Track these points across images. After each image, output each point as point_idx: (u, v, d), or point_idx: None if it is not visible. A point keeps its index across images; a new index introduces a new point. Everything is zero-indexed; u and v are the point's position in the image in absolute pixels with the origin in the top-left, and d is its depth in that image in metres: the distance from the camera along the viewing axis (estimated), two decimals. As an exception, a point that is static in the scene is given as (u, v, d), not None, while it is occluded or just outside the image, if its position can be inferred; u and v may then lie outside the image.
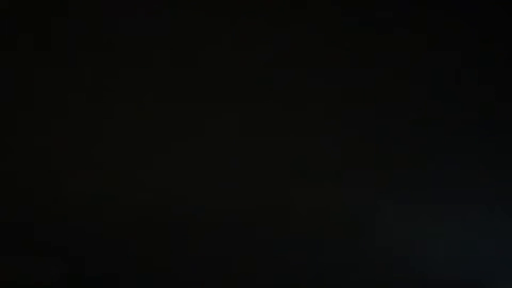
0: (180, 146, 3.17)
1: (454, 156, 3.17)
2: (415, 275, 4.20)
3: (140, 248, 3.88)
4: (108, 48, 2.53)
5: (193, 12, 2.32)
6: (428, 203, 3.52)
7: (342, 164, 3.24)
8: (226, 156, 3.21)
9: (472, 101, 2.79)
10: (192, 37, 2.45)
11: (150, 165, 3.32)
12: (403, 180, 3.35)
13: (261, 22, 2.35)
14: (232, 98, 2.82)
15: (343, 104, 2.83)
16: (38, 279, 4.07)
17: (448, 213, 3.61)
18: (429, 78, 2.63)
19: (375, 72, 2.63)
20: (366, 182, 3.36)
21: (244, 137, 3.09)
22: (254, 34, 2.45)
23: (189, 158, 3.26)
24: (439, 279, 4.21)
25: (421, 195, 3.47)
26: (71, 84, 2.73)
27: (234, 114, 2.93)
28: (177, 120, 2.98)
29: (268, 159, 3.24)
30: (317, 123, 2.97)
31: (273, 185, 3.44)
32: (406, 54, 2.52)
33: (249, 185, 3.44)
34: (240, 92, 2.78)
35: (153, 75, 2.68)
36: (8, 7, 2.33)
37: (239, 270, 4.07)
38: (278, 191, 3.47)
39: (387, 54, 2.52)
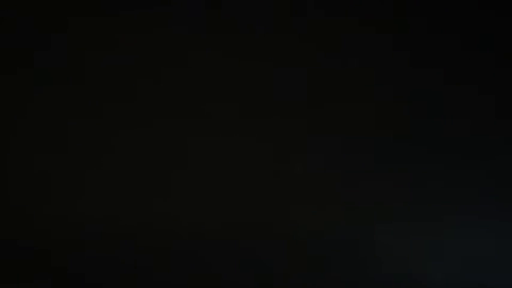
0: (179, 166, 3.17)
1: (452, 173, 3.16)
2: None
3: (143, 270, 3.85)
4: (114, 71, 2.53)
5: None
6: (427, 220, 3.51)
7: (340, 182, 3.23)
8: (227, 175, 3.20)
9: (468, 118, 2.79)
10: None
11: (150, 188, 3.31)
12: (401, 198, 3.35)
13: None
14: (230, 117, 2.81)
15: (340, 122, 2.82)
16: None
17: (447, 229, 3.60)
18: (425, 97, 2.63)
19: (374, 91, 2.63)
20: (364, 200, 3.35)
21: (242, 156, 3.08)
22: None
23: (188, 180, 3.25)
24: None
25: (419, 212, 3.46)
26: (76, 104, 2.73)
27: (233, 135, 2.92)
28: (173, 139, 2.98)
29: (267, 179, 3.23)
30: (314, 142, 2.97)
31: (272, 204, 3.42)
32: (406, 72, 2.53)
33: (247, 205, 3.43)
34: (238, 111, 2.77)
35: (155, 104, 2.68)
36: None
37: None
38: (277, 210, 3.46)
39: (387, 73, 2.52)
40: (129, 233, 3.64)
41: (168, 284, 4.00)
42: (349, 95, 2.74)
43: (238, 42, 2.46)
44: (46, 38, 2.47)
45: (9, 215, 3.53)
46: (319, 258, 3.83)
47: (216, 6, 2.31)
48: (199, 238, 3.70)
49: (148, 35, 2.44)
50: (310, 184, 3.28)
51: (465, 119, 2.84)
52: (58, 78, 2.67)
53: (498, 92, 2.69)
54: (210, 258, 3.83)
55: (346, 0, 2.27)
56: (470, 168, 3.16)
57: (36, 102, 2.79)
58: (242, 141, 3.01)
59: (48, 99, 2.76)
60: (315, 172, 3.19)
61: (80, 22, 2.40)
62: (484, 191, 3.30)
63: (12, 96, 2.77)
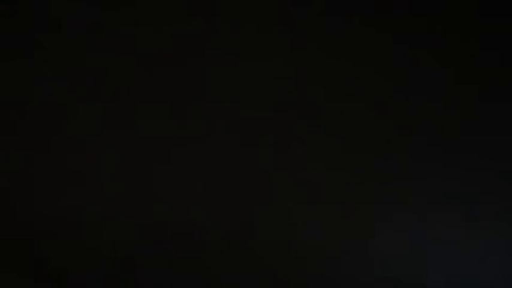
0: (176, 163, 3.17)
1: (450, 178, 3.16)
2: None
3: (134, 266, 3.86)
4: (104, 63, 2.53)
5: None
6: (425, 228, 3.52)
7: (340, 187, 3.24)
8: (226, 175, 3.21)
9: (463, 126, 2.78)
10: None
11: (146, 183, 3.31)
12: (400, 205, 3.35)
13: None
14: (231, 117, 2.82)
15: (342, 128, 2.82)
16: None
17: (447, 235, 3.61)
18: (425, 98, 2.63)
19: (376, 99, 2.62)
20: (363, 206, 3.36)
21: (242, 154, 3.09)
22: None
23: (185, 176, 3.25)
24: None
25: (418, 220, 3.47)
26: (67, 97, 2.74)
27: (234, 134, 2.93)
28: (171, 135, 2.98)
29: (267, 181, 3.24)
30: (316, 146, 2.97)
31: (273, 208, 3.43)
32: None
33: (247, 205, 3.43)
34: (239, 112, 2.78)
35: (148, 94, 2.68)
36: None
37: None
38: (277, 215, 3.47)
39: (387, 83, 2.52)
40: (128, 232, 3.65)
41: (168, 284, 4.01)
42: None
43: (234, 41, 2.46)
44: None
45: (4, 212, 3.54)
46: (319, 258, 3.84)
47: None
48: (199, 238, 3.71)
49: (141, 34, 2.43)
50: (310, 184, 3.28)
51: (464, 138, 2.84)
52: (51, 75, 2.66)
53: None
54: (210, 258, 3.84)
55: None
56: (472, 167, 3.16)
57: (31, 101, 2.80)
58: (241, 141, 3.02)
59: (41, 97, 2.76)
60: (314, 172, 3.20)
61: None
62: (485, 190, 3.31)
63: (6, 94, 2.77)
